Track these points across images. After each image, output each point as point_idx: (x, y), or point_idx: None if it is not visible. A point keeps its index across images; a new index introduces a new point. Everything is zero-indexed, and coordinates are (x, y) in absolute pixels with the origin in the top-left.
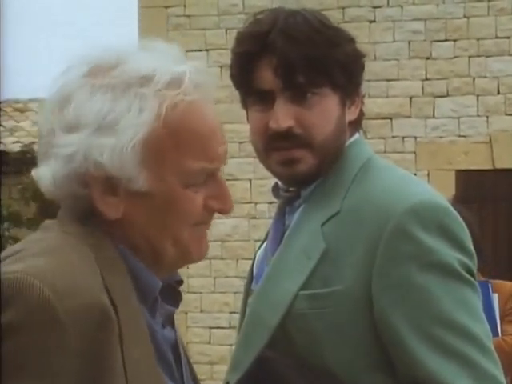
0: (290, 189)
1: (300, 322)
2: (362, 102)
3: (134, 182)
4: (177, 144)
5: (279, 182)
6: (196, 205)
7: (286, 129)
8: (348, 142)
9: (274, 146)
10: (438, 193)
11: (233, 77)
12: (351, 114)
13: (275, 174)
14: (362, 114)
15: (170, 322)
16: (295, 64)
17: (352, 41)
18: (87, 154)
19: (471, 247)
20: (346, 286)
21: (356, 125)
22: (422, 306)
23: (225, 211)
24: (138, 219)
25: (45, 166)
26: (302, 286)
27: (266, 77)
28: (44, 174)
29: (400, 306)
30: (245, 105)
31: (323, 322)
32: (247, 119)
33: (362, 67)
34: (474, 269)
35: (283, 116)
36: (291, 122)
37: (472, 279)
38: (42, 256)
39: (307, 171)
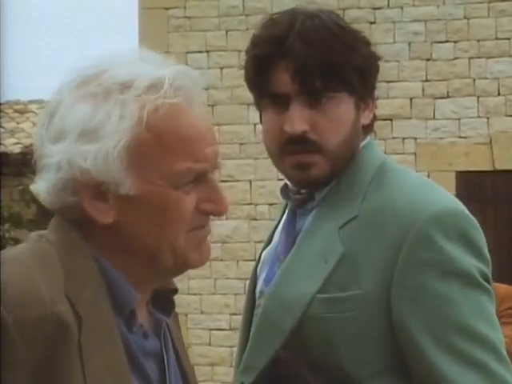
0: (302, 191)
1: (316, 324)
2: (376, 106)
3: (122, 187)
4: (161, 146)
5: (289, 184)
6: (188, 205)
7: (300, 133)
8: (361, 145)
9: (287, 150)
10: (455, 198)
11: (248, 79)
12: (365, 118)
13: (288, 177)
14: (374, 118)
15: (157, 331)
16: (313, 69)
17: (368, 43)
18: (72, 161)
19: (487, 254)
20: (365, 290)
21: (369, 128)
22: (441, 312)
23: (219, 213)
24: (131, 225)
25: (41, 178)
26: (318, 289)
27: (283, 80)
28: (41, 186)
29: (419, 312)
30: (258, 107)
31: (339, 325)
32: (260, 121)
33: (377, 70)
34: (490, 275)
35: (298, 120)
36: (306, 126)
37: (489, 286)
38: None
39: (320, 175)
